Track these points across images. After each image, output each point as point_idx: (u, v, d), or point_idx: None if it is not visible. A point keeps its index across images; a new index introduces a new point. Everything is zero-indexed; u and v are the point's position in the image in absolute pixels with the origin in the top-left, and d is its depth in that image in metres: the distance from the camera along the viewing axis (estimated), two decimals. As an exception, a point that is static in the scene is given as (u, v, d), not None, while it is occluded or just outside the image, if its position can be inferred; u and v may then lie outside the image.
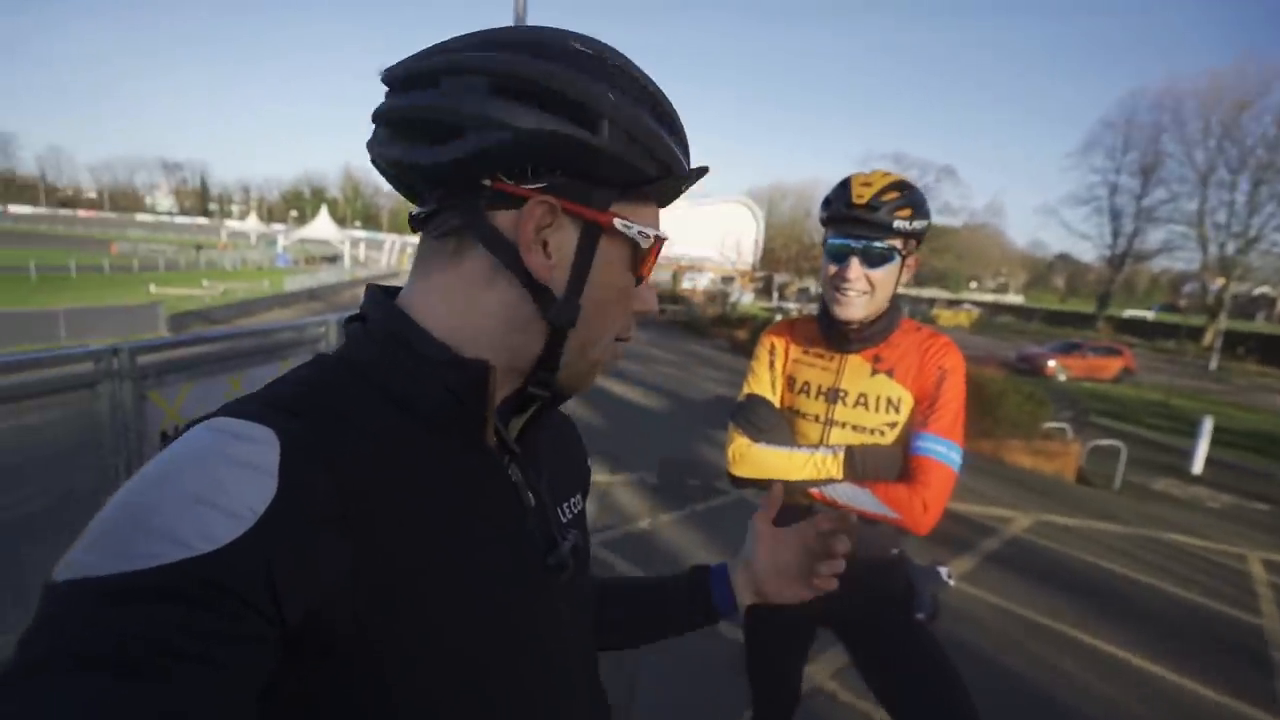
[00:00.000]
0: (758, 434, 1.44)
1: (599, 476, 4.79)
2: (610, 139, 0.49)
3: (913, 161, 44.83)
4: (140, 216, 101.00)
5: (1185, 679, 3.10)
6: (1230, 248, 36.76)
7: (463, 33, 0.53)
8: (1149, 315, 50.91)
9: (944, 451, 1.33)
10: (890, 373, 1.39)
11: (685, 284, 28.01)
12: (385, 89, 0.52)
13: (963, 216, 47.06)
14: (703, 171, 0.58)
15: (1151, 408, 14.53)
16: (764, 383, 1.51)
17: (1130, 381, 19.29)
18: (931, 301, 45.65)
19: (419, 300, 0.53)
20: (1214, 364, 26.59)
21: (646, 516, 4.44)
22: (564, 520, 0.62)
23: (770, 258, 32.88)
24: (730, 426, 1.49)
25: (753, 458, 1.43)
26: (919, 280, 53.70)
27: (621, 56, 0.52)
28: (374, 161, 0.53)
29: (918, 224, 1.32)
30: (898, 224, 1.30)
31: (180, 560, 0.35)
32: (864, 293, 1.34)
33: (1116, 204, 44.88)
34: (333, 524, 0.41)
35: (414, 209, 0.54)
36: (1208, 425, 9.20)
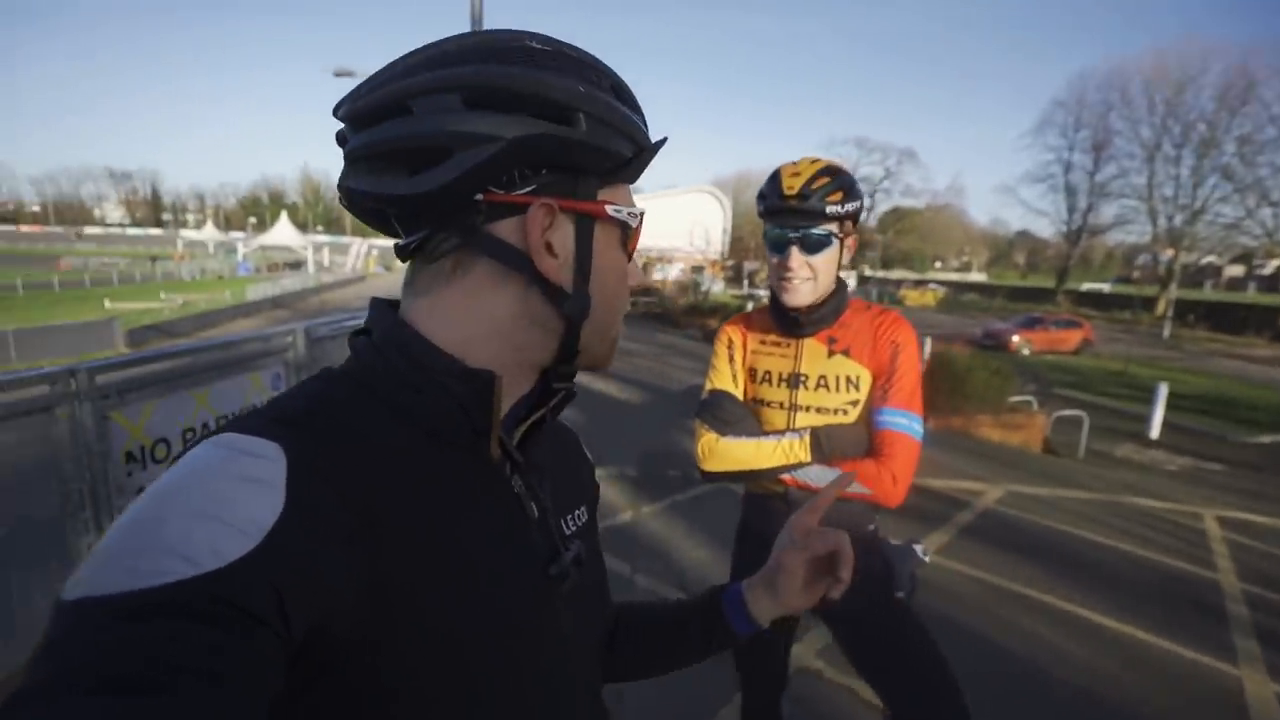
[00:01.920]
0: (725, 428, 1.46)
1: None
2: (588, 130, 0.51)
3: (874, 145, 45.86)
4: (89, 229, 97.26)
5: (1150, 635, 3.24)
6: (1178, 220, 38.36)
7: (413, 47, 0.52)
8: (1105, 288, 52.57)
9: (906, 423, 1.37)
10: (846, 352, 1.43)
11: (656, 275, 28.04)
12: (346, 125, 0.52)
13: (925, 198, 48.14)
14: (663, 141, 0.59)
15: (1111, 377, 15.04)
16: (725, 377, 1.53)
17: (1090, 352, 19.94)
18: (899, 283, 46.43)
19: (421, 315, 0.53)
20: (1167, 332, 27.61)
21: (628, 509, 4.46)
22: (568, 532, 0.62)
23: (739, 245, 33.06)
24: (697, 423, 1.50)
25: (722, 451, 1.45)
26: (885, 262, 54.63)
27: (576, 48, 0.53)
28: (348, 198, 0.53)
29: (850, 206, 1.36)
30: (830, 209, 1.34)
31: (188, 577, 0.35)
32: (807, 279, 1.37)
33: (1071, 181, 46.59)
34: (339, 539, 0.42)
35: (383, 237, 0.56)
36: (1163, 391, 9.57)
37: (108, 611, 0.34)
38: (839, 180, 1.35)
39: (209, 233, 54.37)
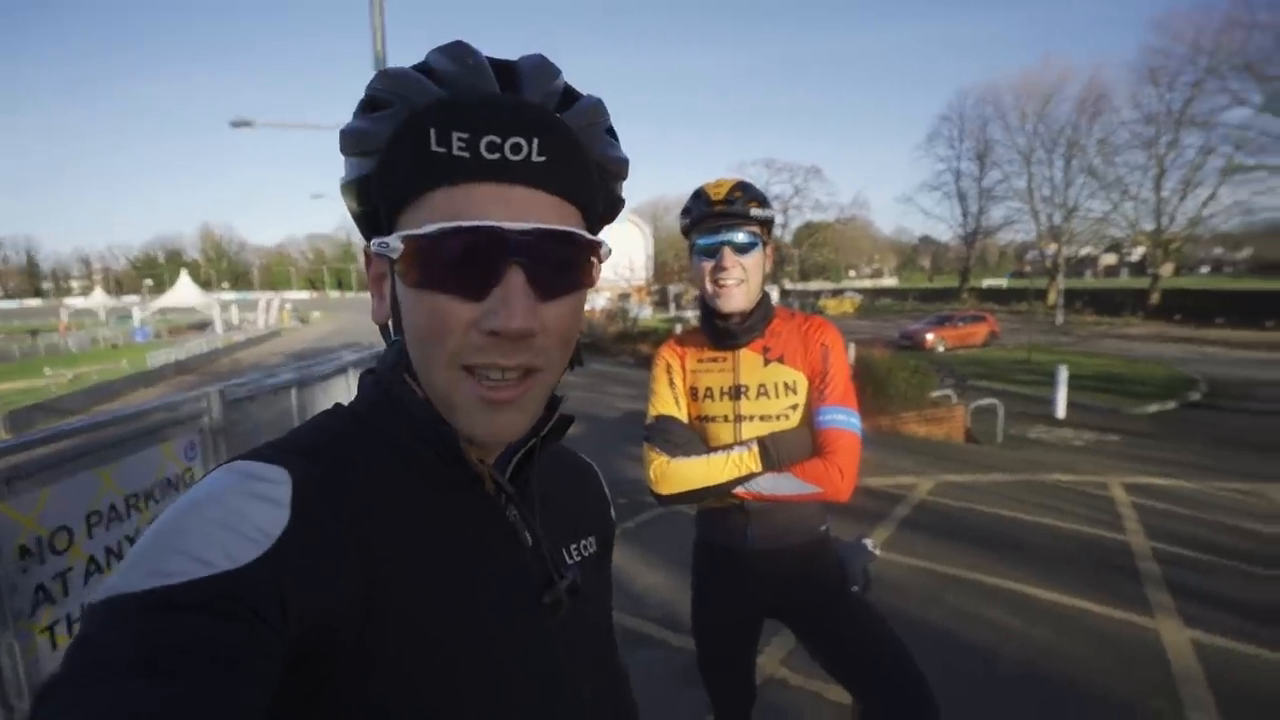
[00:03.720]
0: (674, 450, 1.49)
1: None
2: (347, 171, 0.51)
3: (782, 165, 47.75)
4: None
5: (1076, 599, 3.48)
6: (1056, 217, 42.19)
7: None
8: (1003, 283, 56.88)
9: (845, 419, 1.45)
10: (781, 359, 1.50)
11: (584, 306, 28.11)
12: None
13: (833, 212, 50.57)
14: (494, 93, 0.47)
15: (1017, 365, 16.20)
16: (667, 401, 1.56)
17: (996, 344, 21.42)
18: (817, 294, 48.44)
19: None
20: (1060, 319, 30.13)
21: (580, 543, 4.39)
22: (570, 561, 0.62)
23: (662, 270, 33.75)
24: (646, 449, 1.53)
25: (673, 473, 1.47)
26: (803, 274, 56.96)
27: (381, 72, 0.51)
28: None
29: (768, 212, 1.47)
30: (754, 212, 1.44)
31: (205, 576, 0.38)
32: (740, 280, 1.44)
33: (962, 187, 50.48)
34: (338, 553, 0.45)
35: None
36: (1063, 374, 10.39)
37: (132, 607, 0.37)
38: (753, 190, 1.46)
39: (98, 299, 50.27)
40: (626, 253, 32.84)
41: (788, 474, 1.43)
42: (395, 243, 0.47)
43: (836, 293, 50.22)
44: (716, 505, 1.54)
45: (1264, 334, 22.86)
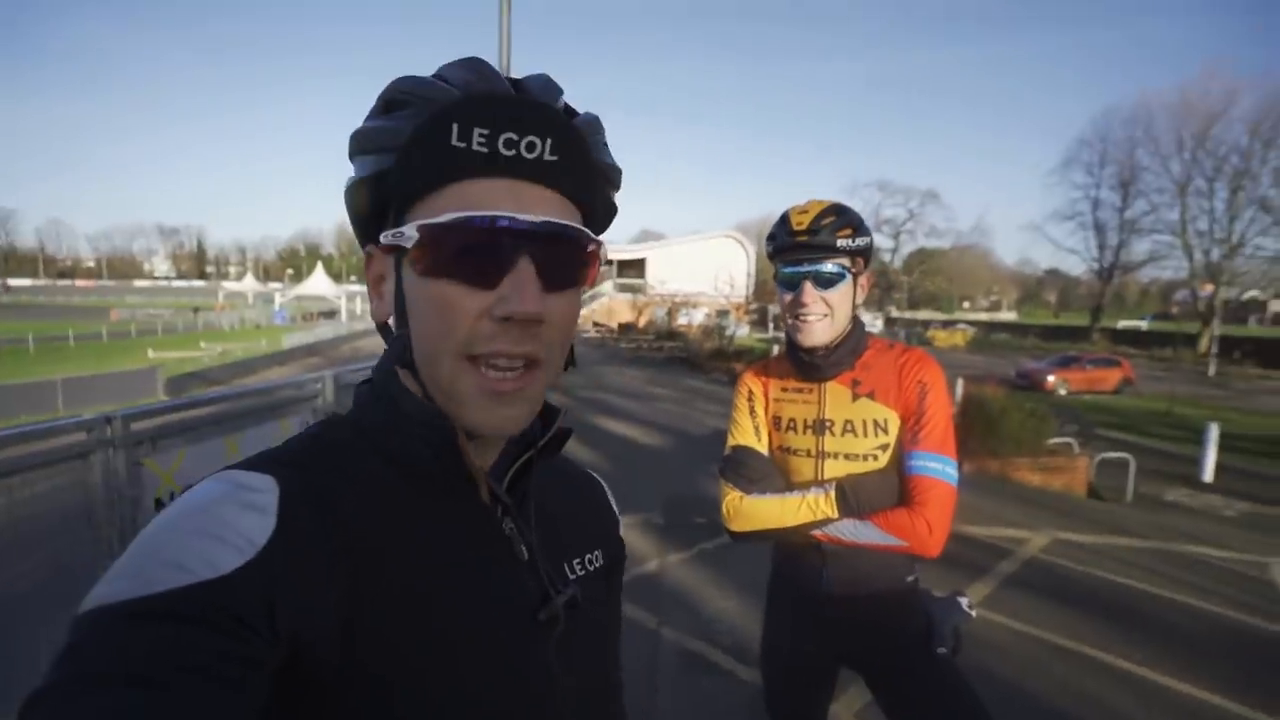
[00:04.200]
0: (749, 486, 1.42)
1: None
2: (355, 168, 0.52)
3: (897, 188, 45.99)
4: (138, 282, 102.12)
5: (1214, 695, 3.00)
6: (1215, 254, 37.27)
7: None
8: (1143, 325, 51.14)
9: (939, 468, 1.31)
10: (872, 395, 1.38)
11: (681, 320, 28.15)
12: None
13: (950, 238, 47.87)
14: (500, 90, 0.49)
15: (1155, 417, 14.47)
16: (747, 431, 1.49)
17: (1130, 392, 19.27)
18: (926, 324, 45.80)
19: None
20: (1213, 370, 26.63)
21: (654, 558, 4.35)
22: (571, 576, 0.60)
23: (763, 289, 33.18)
24: (720, 482, 1.46)
25: (747, 511, 1.40)
26: (911, 303, 54.13)
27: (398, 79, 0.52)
28: None
29: (860, 241, 1.35)
30: (841, 243, 1.32)
31: (187, 585, 0.38)
32: (823, 315, 1.34)
33: (1099, 218, 45.73)
34: (326, 562, 0.44)
35: None
36: (1214, 432, 9.15)
37: (115, 616, 0.37)
38: (846, 216, 1.35)
39: (248, 284, 56.92)
40: (727, 268, 32.62)
41: (869, 523, 1.32)
42: (411, 231, 0.48)
43: (948, 324, 47.21)
44: (793, 543, 1.44)
45: None
